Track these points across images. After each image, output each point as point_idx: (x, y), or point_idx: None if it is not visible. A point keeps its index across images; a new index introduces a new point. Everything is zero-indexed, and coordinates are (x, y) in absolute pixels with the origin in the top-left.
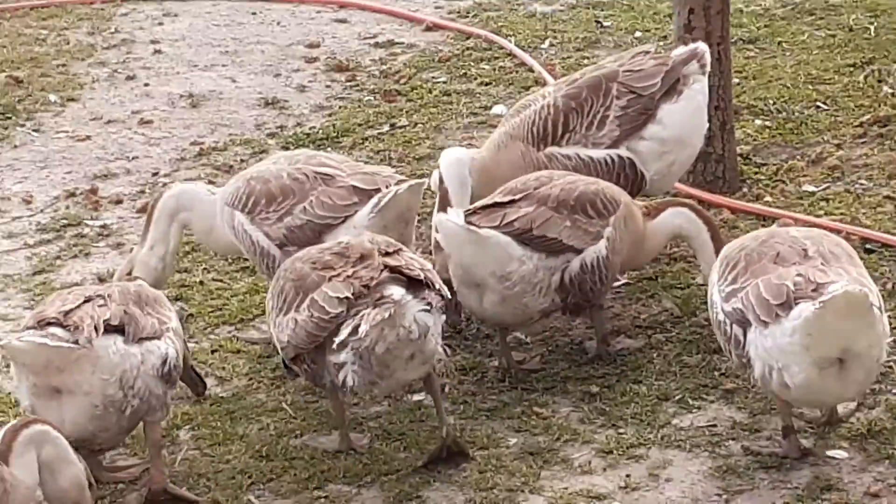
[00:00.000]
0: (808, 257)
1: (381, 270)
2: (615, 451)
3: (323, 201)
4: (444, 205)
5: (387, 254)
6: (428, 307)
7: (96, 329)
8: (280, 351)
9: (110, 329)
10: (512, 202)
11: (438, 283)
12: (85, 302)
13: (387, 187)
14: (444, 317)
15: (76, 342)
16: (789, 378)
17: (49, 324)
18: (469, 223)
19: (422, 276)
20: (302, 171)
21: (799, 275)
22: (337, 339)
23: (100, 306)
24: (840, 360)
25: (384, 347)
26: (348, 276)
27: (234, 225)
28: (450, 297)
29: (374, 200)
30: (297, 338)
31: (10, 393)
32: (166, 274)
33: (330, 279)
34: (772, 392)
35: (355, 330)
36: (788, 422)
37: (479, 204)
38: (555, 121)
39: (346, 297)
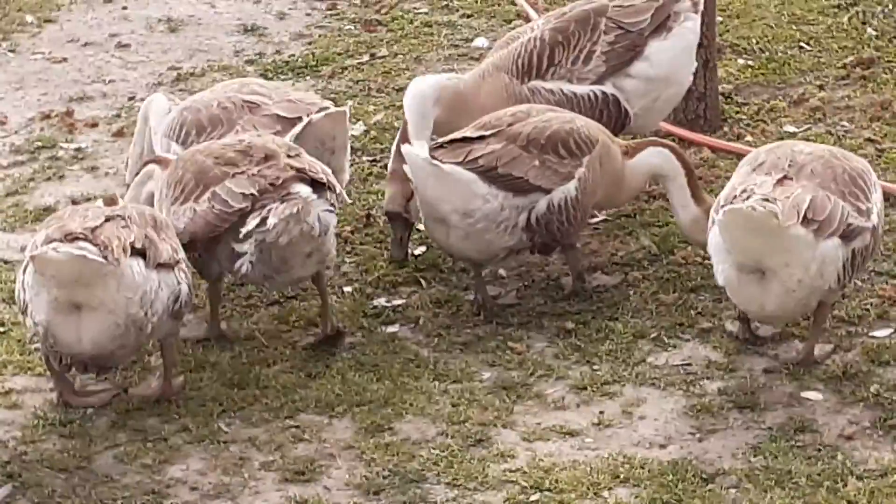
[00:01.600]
0: (781, 170)
1: (288, 170)
2: (589, 388)
3: (247, 131)
4: (405, 137)
5: (289, 156)
6: (331, 207)
7: (124, 250)
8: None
9: (133, 251)
10: (481, 138)
11: (339, 188)
12: (106, 221)
13: (308, 115)
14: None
15: (105, 258)
16: (719, 275)
17: (77, 238)
18: (433, 157)
19: (324, 179)
20: (231, 99)
21: (754, 183)
22: (243, 230)
23: (123, 227)
24: (762, 272)
25: (286, 240)
26: (253, 175)
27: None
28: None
29: (294, 129)
30: (194, 226)
31: None
32: None
33: (234, 175)
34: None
35: (263, 222)
36: (744, 315)
37: (448, 137)
38: (540, 54)
39: (252, 194)
